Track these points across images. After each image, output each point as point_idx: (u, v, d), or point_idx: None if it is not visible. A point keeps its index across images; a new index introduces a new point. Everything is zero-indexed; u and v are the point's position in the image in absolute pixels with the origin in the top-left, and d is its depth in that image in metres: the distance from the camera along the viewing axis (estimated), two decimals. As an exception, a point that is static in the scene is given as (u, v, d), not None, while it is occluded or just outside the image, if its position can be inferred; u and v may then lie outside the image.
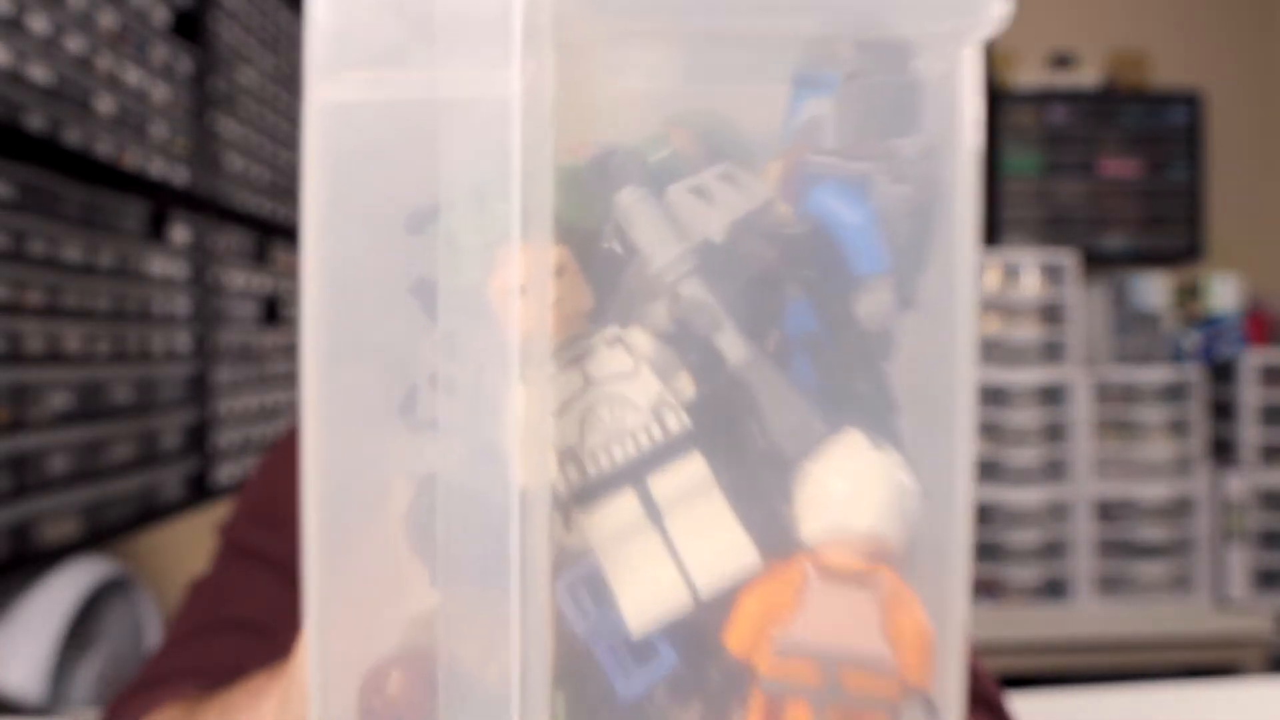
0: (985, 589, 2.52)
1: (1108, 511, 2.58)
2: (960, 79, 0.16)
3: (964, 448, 0.17)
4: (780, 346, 0.17)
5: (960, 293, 0.16)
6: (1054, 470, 2.58)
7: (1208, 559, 2.57)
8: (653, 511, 0.17)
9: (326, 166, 0.14)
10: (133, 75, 1.58)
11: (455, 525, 0.15)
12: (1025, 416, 2.58)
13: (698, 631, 0.16)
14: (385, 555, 0.16)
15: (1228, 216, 2.96)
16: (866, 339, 0.17)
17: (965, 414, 0.16)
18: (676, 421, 0.17)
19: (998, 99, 2.87)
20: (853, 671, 0.17)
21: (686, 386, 0.17)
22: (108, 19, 1.51)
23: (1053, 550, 2.57)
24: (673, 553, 0.16)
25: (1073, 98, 2.89)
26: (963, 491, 0.17)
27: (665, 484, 0.16)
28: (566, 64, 0.16)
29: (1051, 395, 2.59)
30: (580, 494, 0.16)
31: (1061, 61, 2.89)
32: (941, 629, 0.17)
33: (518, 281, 0.14)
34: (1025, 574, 2.55)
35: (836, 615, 0.17)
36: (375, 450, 0.16)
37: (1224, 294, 2.75)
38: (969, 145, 0.16)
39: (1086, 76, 2.90)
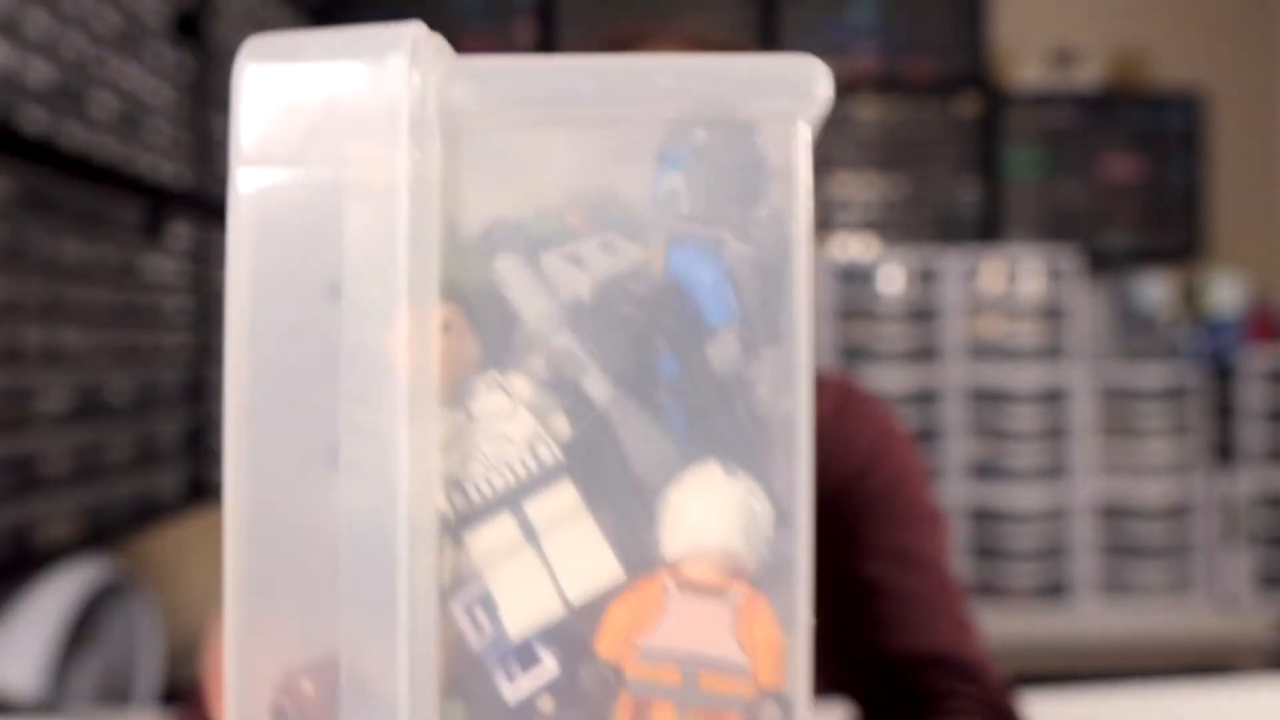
0: (985, 590, 2.53)
1: (1108, 512, 2.58)
2: (796, 152, 0.19)
3: (803, 474, 0.19)
4: (652, 391, 0.19)
5: (799, 337, 0.19)
6: (1054, 471, 2.58)
7: (1208, 560, 2.57)
8: (529, 533, 0.19)
9: (250, 243, 0.17)
10: (132, 75, 1.60)
11: (356, 549, 0.18)
12: (1025, 416, 2.58)
13: (574, 641, 0.19)
14: (305, 581, 0.18)
15: (1229, 215, 2.95)
16: (723, 382, 0.19)
17: (804, 444, 0.19)
18: (549, 454, 0.19)
19: (1000, 98, 2.87)
20: (709, 674, 0.19)
21: (563, 427, 0.19)
22: (107, 19, 1.53)
23: (1053, 551, 2.57)
24: (548, 568, 0.19)
25: (1074, 98, 2.88)
26: (804, 512, 0.19)
27: (540, 508, 0.19)
28: (460, 150, 0.18)
29: (1051, 395, 2.59)
30: (466, 518, 0.19)
31: (1063, 59, 2.88)
32: (791, 635, 0.19)
33: (404, 336, 0.17)
34: (1025, 575, 2.55)
35: (694, 624, 0.19)
36: (300, 491, 0.18)
37: (1226, 293, 2.74)
38: (805, 208, 0.19)
39: (1088, 74, 2.89)
